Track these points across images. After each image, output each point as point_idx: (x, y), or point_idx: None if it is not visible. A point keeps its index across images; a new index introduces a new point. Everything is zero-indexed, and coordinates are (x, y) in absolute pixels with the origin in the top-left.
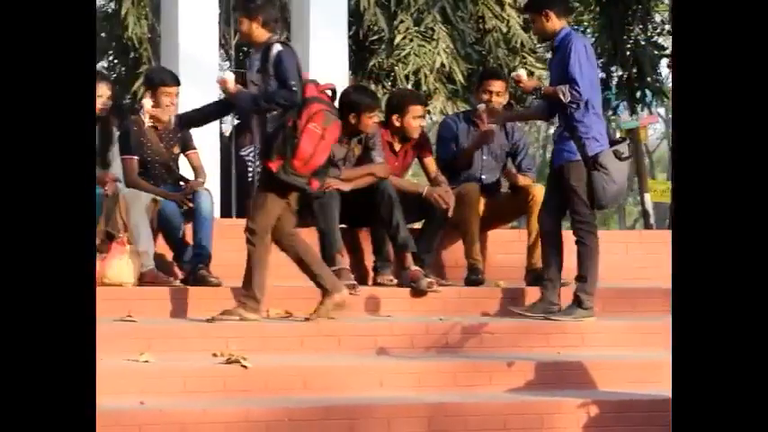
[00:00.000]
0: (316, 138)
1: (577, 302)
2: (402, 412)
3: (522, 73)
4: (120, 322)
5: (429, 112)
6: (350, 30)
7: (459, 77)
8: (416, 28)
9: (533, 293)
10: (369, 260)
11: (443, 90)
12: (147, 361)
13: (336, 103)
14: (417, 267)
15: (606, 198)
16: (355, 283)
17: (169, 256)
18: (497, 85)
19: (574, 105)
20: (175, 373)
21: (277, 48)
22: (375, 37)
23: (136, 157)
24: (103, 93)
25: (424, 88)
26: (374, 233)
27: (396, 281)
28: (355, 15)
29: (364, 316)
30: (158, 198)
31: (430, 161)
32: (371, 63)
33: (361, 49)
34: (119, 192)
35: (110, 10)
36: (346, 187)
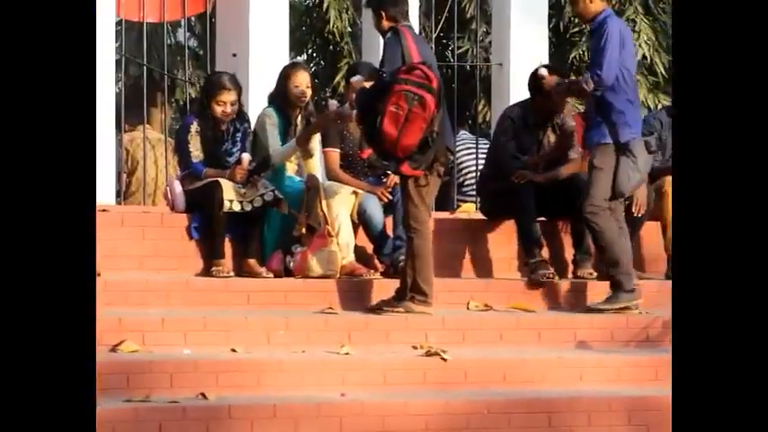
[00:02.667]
0: (398, 119)
1: (618, 287)
2: (602, 406)
3: (543, 71)
4: (321, 314)
5: None
6: (550, 22)
7: (661, 69)
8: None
9: None
10: (569, 252)
11: (645, 82)
12: (347, 353)
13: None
14: None
15: (628, 187)
16: (554, 273)
17: (369, 248)
18: None
19: (597, 93)
20: (376, 366)
21: (387, 36)
22: (576, 29)
23: (338, 150)
24: (303, 83)
25: None
26: (573, 225)
27: (595, 274)
28: (555, 7)
29: (564, 309)
30: (359, 191)
31: None
32: (572, 55)
33: (561, 42)
34: (320, 184)
35: (311, 3)
36: (540, 178)
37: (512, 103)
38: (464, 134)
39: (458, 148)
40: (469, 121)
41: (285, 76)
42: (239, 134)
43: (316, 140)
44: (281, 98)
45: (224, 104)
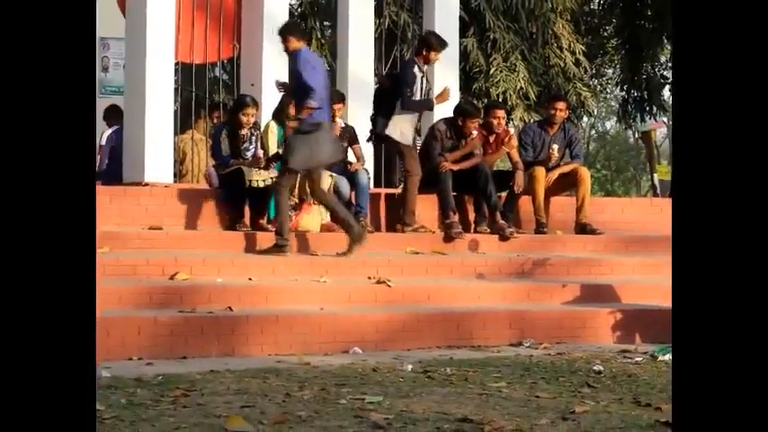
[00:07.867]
0: None
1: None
2: (492, 317)
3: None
4: (308, 255)
5: (512, 119)
6: (460, 64)
7: (533, 96)
8: (504, 63)
9: (581, 239)
10: (471, 216)
11: (522, 104)
12: (325, 281)
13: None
14: (503, 222)
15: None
16: (461, 230)
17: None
18: (561, 105)
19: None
20: (344, 290)
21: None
22: (477, 69)
23: None
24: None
25: (509, 103)
26: (475, 198)
27: (489, 230)
28: (463, 55)
29: (468, 253)
30: (333, 174)
31: (513, 153)
32: (474, 86)
33: (467, 78)
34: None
35: None
36: (455, 167)
37: (436, 119)
38: None
39: None
40: None
41: (284, 100)
42: (253, 137)
43: None
44: (280, 115)
45: (248, 116)
